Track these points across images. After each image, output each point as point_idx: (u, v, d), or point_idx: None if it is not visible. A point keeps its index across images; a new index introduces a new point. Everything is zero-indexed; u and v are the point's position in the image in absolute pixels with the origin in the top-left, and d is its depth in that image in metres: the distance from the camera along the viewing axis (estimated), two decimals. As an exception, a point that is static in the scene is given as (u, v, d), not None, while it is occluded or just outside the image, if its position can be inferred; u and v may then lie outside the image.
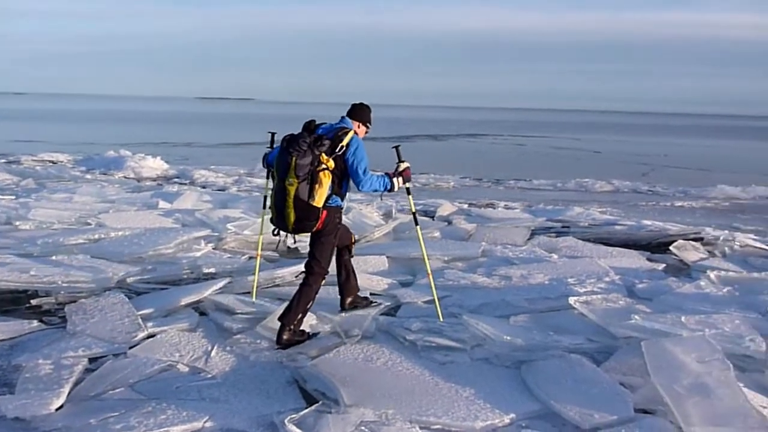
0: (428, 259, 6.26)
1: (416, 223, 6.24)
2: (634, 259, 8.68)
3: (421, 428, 4.13)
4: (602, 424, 4.16)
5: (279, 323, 5.41)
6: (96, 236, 8.97)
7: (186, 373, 4.91)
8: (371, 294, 6.67)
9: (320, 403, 4.41)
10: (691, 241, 9.71)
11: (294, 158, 5.00)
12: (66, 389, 4.50)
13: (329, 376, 4.72)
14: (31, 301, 6.52)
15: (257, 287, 6.60)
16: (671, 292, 6.89)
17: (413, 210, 6.24)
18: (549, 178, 21.59)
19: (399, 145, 6.02)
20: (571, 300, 6.25)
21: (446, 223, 11.05)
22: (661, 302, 6.55)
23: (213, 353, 5.23)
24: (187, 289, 6.84)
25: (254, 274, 6.64)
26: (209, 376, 4.85)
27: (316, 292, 5.55)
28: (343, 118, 5.65)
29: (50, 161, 22.70)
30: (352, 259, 6.19)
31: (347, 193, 5.63)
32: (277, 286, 7.12)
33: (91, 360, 5.07)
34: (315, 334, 5.60)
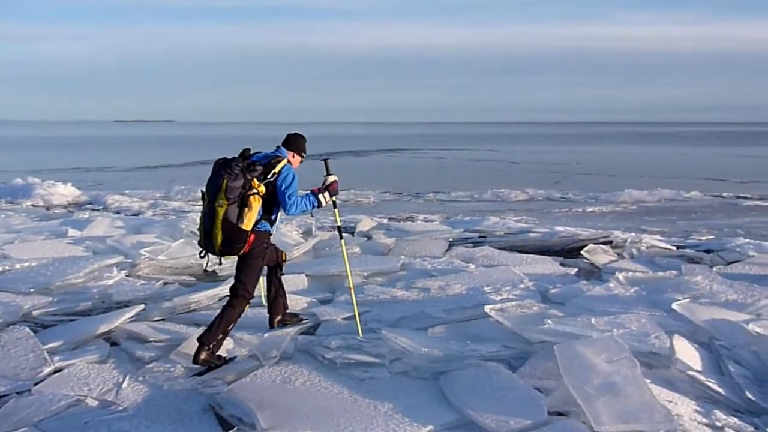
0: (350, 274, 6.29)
1: (341, 237, 6.27)
2: (548, 265, 8.93)
3: (339, 446, 4.11)
4: (517, 430, 4.23)
5: (197, 344, 5.32)
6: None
7: (95, 407, 4.72)
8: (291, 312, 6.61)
9: (236, 429, 4.34)
10: (601, 245, 10.07)
11: (225, 181, 5.06)
12: (-35, 433, 4.27)
13: (246, 401, 4.64)
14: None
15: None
16: (582, 295, 7.10)
17: (338, 223, 6.27)
18: (467, 189, 22.00)
19: (328, 159, 6.06)
20: (487, 308, 6.35)
21: (366, 239, 11.08)
22: (573, 305, 6.74)
23: (124, 384, 5.06)
24: (98, 319, 6.60)
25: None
26: (120, 408, 4.69)
27: (239, 315, 5.50)
28: (278, 147, 5.71)
29: (-49, 192, 21.61)
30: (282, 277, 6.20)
31: (277, 220, 5.67)
32: (193, 311, 6.96)
33: (-6, 399, 4.83)
34: (232, 359, 5.50)
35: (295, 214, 5.60)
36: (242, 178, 5.12)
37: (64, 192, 19.79)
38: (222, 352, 5.47)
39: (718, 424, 4.37)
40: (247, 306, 5.57)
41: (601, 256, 9.51)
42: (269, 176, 5.33)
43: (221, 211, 5.08)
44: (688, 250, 10.12)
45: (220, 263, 5.73)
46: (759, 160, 43.17)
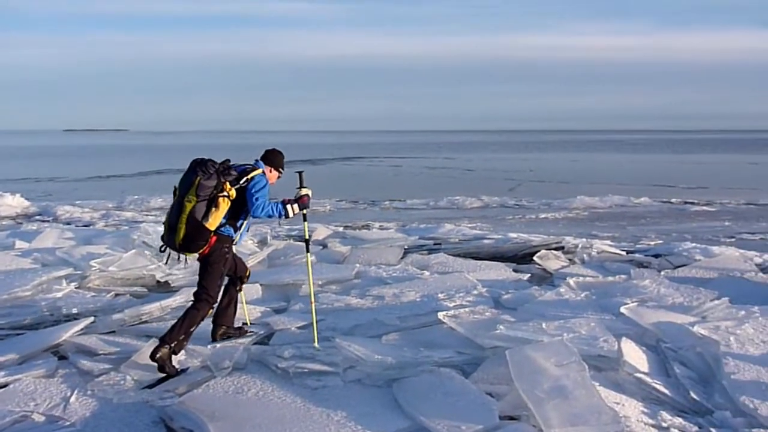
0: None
1: (307, 250, 6.28)
2: (501, 271, 9.04)
3: (292, 456, 4.09)
4: (469, 435, 4.27)
5: (152, 349, 5.32)
6: (-58, 283, 8.30)
7: (42, 423, 4.61)
8: (244, 324, 6.56)
9: (187, 440, 4.28)
10: (553, 251, 10.24)
11: (199, 178, 5.22)
12: None
13: (197, 412, 4.59)
14: None
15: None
16: (534, 300, 7.21)
17: (306, 236, 6.27)
18: (422, 197, 22.14)
19: (302, 171, 6.09)
20: (440, 315, 6.41)
21: (321, 247, 11.06)
22: (525, 311, 6.84)
23: (72, 399, 4.96)
24: (46, 332, 6.44)
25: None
26: (68, 423, 4.59)
27: (202, 318, 5.57)
28: (256, 161, 5.83)
29: None
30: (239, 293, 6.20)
31: (242, 228, 5.75)
32: (145, 322, 6.85)
33: (-65, 418, 4.69)
34: (184, 370, 5.44)
35: (260, 217, 5.64)
36: (215, 179, 5.27)
37: (12, 203, 19.28)
38: (174, 363, 5.41)
39: (664, 424, 4.48)
40: (211, 311, 5.66)
41: (553, 262, 9.67)
42: (242, 182, 5.48)
43: (189, 207, 5.21)
44: (637, 255, 10.36)
45: (178, 259, 5.68)
46: (705, 166, 44.42)
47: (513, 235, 11.88)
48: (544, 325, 5.94)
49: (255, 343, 6.10)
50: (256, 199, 5.51)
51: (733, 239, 13.31)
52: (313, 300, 6.19)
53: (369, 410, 4.68)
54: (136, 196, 22.49)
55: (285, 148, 6.68)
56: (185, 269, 9.17)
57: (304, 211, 5.92)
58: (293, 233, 13.29)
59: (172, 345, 5.36)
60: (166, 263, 6.03)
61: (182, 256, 5.56)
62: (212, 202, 5.28)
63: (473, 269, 9.10)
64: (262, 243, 11.36)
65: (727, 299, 6.88)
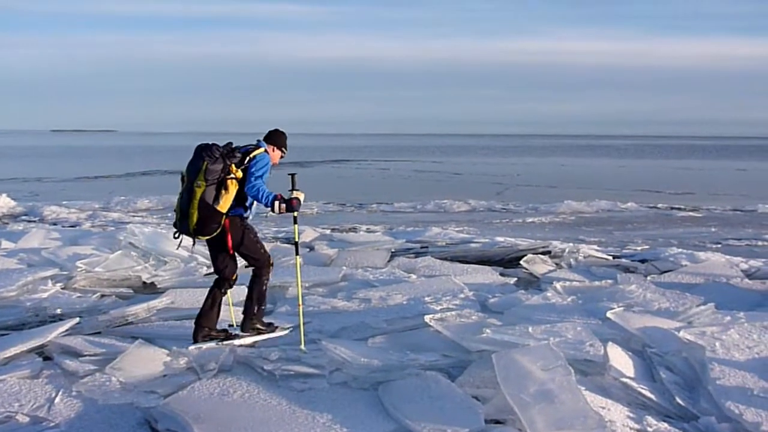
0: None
1: (296, 253, 6.26)
2: (488, 275, 9.06)
3: (277, 459, 4.08)
4: (454, 438, 4.28)
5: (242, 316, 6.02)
6: (-74, 283, 8.22)
7: (26, 424, 4.57)
8: (230, 326, 6.52)
9: (172, 442, 4.26)
10: (540, 255, 10.27)
11: (206, 163, 5.42)
12: None
13: (182, 414, 4.56)
14: None
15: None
16: (521, 304, 7.22)
17: (296, 239, 6.28)
18: (410, 200, 22.16)
19: (295, 174, 6.06)
20: (427, 318, 6.40)
21: (308, 249, 11.05)
22: (512, 314, 6.84)
23: (57, 400, 4.92)
24: (31, 333, 6.38)
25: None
26: (52, 424, 4.56)
27: (268, 280, 6.04)
28: (259, 141, 5.97)
29: None
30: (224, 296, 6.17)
31: (252, 207, 5.91)
32: (130, 323, 6.81)
33: None
34: (282, 328, 6.15)
35: (249, 194, 5.68)
36: (222, 162, 5.47)
37: (-2, 203, 19.15)
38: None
39: (649, 429, 4.50)
40: (271, 268, 6.09)
41: (539, 266, 9.70)
42: (246, 161, 5.64)
43: (199, 192, 5.41)
44: (623, 260, 10.41)
45: (194, 244, 5.89)
46: (692, 172, 44.73)
47: (500, 239, 11.91)
48: (530, 329, 5.94)
49: (240, 345, 6.06)
50: (255, 179, 5.62)
51: (719, 245, 13.40)
52: (300, 302, 6.17)
53: (354, 413, 4.67)
54: (123, 197, 22.38)
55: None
56: (171, 271, 9.14)
57: (295, 214, 5.89)
58: (280, 235, 13.27)
59: (254, 315, 5.96)
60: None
61: (196, 240, 5.75)
62: (221, 185, 5.48)
63: (460, 273, 9.11)
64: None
65: (712, 305, 6.92)
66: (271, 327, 6.11)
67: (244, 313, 6.04)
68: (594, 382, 5.11)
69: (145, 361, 5.55)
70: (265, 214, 13.62)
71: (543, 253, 10.45)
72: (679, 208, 20.76)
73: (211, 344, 5.91)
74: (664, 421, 4.63)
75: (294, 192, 5.86)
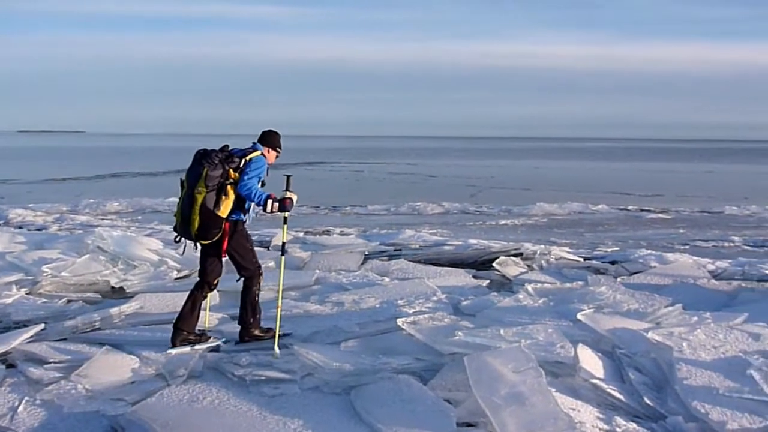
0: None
1: (282, 254, 6.36)
2: (461, 277, 9.08)
3: (247, 465, 4.03)
4: (425, 442, 4.27)
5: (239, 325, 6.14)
6: None
7: (-12, 434, 4.49)
8: (203, 331, 6.44)
9: (139, 451, 4.19)
10: (512, 257, 10.33)
11: (206, 169, 5.50)
12: None
13: (150, 422, 4.50)
14: None
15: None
16: (493, 306, 7.23)
17: (283, 240, 6.32)
18: (384, 203, 22.13)
19: (290, 175, 6.11)
20: (400, 321, 6.38)
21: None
22: (484, 317, 6.85)
23: (20, 409, 4.81)
24: (-7, 340, 6.27)
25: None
26: (15, 434, 4.47)
27: (259, 289, 6.17)
28: (254, 143, 6.03)
29: None
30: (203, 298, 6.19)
31: (250, 210, 5.98)
32: (97, 329, 6.69)
33: None
34: (270, 328, 6.09)
35: (242, 194, 5.70)
36: (221, 168, 5.56)
37: (-38, 206, 18.77)
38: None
39: (618, 429, 4.53)
40: (262, 277, 6.22)
41: (512, 268, 9.75)
42: (242, 164, 5.71)
43: (200, 198, 5.49)
44: (594, 262, 10.52)
45: (195, 248, 5.99)
46: (661, 174, 45.31)
47: (473, 241, 11.95)
48: (502, 331, 5.95)
49: (211, 351, 6.00)
50: (249, 179, 5.67)
51: (687, 246, 13.58)
52: (280, 305, 6.13)
53: (326, 418, 4.64)
54: (91, 200, 22.07)
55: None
56: (141, 275, 9.02)
57: (286, 214, 5.99)
58: (253, 237, 13.15)
59: (250, 325, 6.07)
60: (182, 254, 6.32)
61: (198, 245, 5.86)
62: (221, 191, 5.58)
63: (433, 275, 9.13)
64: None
65: (680, 305, 7.01)
66: (270, 332, 6.09)
67: (240, 323, 6.14)
68: (564, 384, 5.14)
69: (113, 368, 5.47)
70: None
71: (515, 255, 10.51)
72: (648, 210, 21.01)
73: (187, 349, 5.85)
74: (633, 421, 4.67)
75: (288, 192, 5.90)
